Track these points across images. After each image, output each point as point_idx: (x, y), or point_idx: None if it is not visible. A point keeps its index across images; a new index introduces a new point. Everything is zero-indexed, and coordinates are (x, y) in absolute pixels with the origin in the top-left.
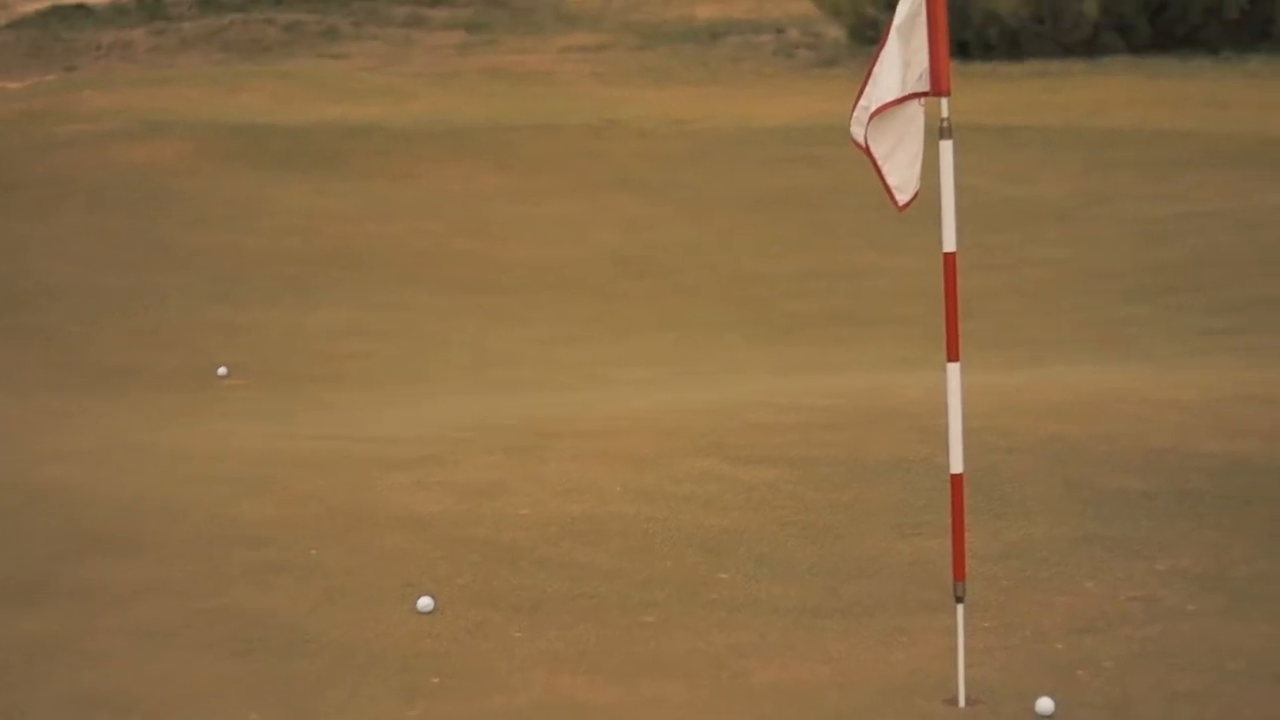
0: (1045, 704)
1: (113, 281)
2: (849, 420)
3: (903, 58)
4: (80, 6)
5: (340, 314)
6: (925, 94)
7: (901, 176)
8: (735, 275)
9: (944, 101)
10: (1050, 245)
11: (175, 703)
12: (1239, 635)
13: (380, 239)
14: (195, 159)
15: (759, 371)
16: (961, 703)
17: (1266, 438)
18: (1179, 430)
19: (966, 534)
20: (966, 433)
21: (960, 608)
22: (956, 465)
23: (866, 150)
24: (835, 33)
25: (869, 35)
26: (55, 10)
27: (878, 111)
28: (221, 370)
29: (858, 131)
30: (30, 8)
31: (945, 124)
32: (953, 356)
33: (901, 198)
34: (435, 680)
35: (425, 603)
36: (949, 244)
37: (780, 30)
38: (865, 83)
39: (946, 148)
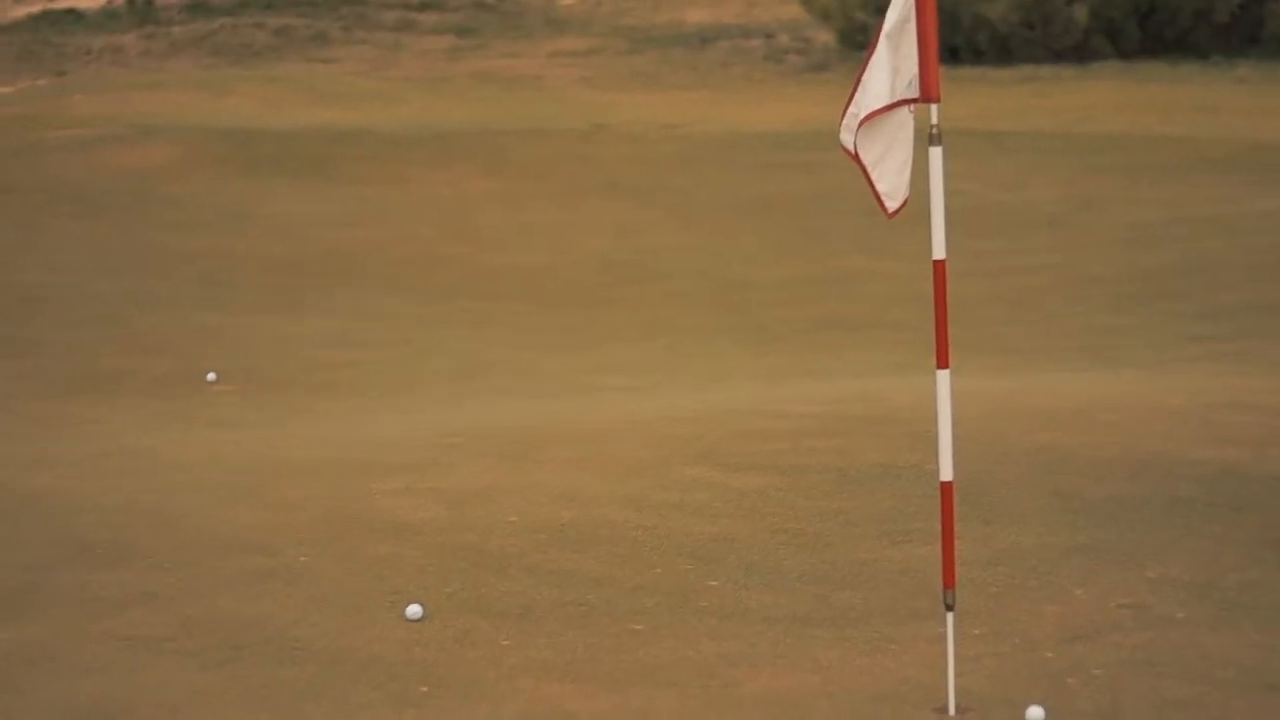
0: (1035, 712)
1: (101, 286)
2: (839, 427)
3: (892, 64)
4: (71, 11)
5: (329, 320)
6: (915, 100)
7: (891, 183)
8: (725, 281)
9: (934, 108)
10: (1039, 251)
11: (164, 711)
12: (1229, 643)
13: (369, 244)
14: (185, 164)
15: (748, 378)
16: (951, 711)
17: (1256, 445)
18: (1168, 437)
19: (956, 541)
20: (956, 440)
21: (950, 616)
22: (946, 473)
23: (856, 157)
24: (825, 38)
25: (858, 40)
26: (46, 15)
27: (867, 118)
28: (210, 376)
29: (847, 138)
30: (21, 12)
31: (935, 131)
32: (942, 364)
33: (891, 205)
34: (424, 688)
35: (414, 610)
36: (939, 251)
37: (770, 35)
38: (855, 89)
39: (936, 154)
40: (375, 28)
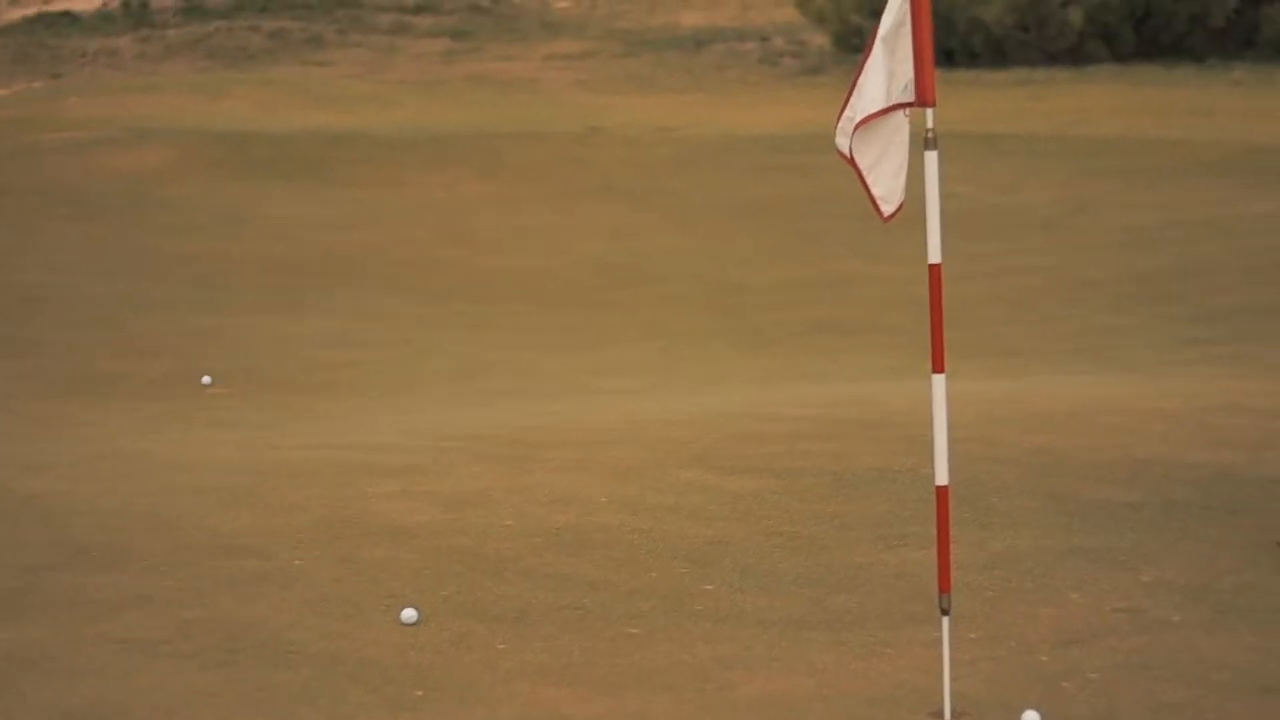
0: (1031, 716)
1: (97, 289)
2: (834, 431)
3: (888, 68)
4: (66, 14)
5: (325, 322)
6: (910, 104)
7: (886, 187)
8: (720, 284)
9: (929, 112)
10: (1034, 254)
11: (160, 713)
12: (1225, 647)
13: (365, 247)
14: (180, 166)
15: (743, 380)
16: (947, 715)
17: (1251, 448)
18: (1164, 440)
19: (952, 545)
20: (951, 443)
21: (945, 620)
22: (942, 477)
23: (851, 161)
24: (820, 40)
25: (853, 43)
26: (41, 18)
27: (863, 122)
28: (206, 379)
29: (843, 142)
30: (16, 15)
31: (930, 135)
32: (938, 368)
33: (887, 208)
34: (419, 692)
35: (409, 614)
36: (934, 255)
37: (765, 38)
38: (850, 93)
39: (931, 158)
40: (370, 31)
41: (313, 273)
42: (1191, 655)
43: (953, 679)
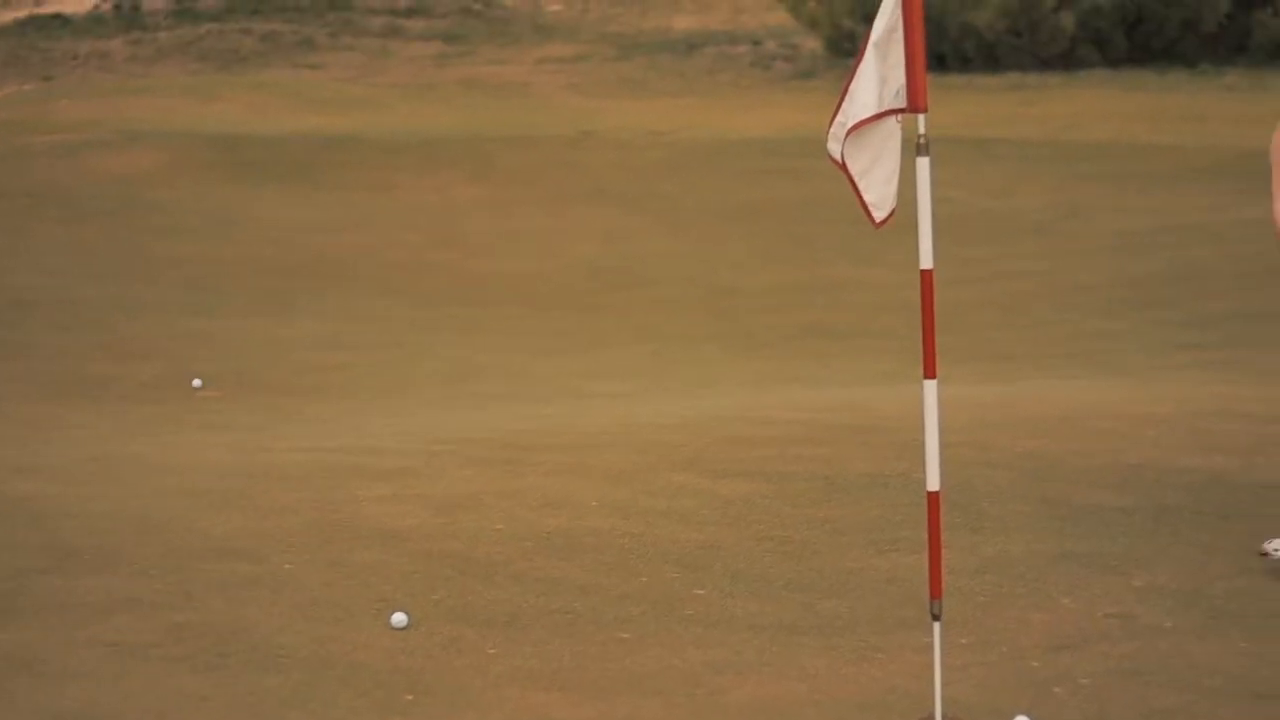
0: None
1: (89, 291)
2: (826, 435)
3: (879, 74)
4: (57, 16)
5: (317, 326)
6: (902, 110)
7: (878, 193)
8: (712, 287)
9: (921, 118)
10: (1027, 258)
11: (150, 717)
12: (1217, 652)
13: (357, 250)
14: (171, 169)
15: (736, 385)
16: None
17: (1243, 453)
18: (1156, 445)
19: (943, 550)
20: (943, 448)
21: (937, 625)
22: (933, 483)
23: (843, 167)
24: (812, 44)
25: (846, 47)
26: (32, 20)
27: (854, 128)
28: (196, 383)
29: (834, 148)
30: (7, 17)
31: (922, 141)
32: (929, 374)
33: (878, 215)
34: (409, 697)
35: (399, 618)
36: (926, 261)
37: (757, 42)
38: (842, 99)
39: (923, 165)
40: (362, 34)
41: (304, 275)
42: (1183, 661)
43: (944, 684)
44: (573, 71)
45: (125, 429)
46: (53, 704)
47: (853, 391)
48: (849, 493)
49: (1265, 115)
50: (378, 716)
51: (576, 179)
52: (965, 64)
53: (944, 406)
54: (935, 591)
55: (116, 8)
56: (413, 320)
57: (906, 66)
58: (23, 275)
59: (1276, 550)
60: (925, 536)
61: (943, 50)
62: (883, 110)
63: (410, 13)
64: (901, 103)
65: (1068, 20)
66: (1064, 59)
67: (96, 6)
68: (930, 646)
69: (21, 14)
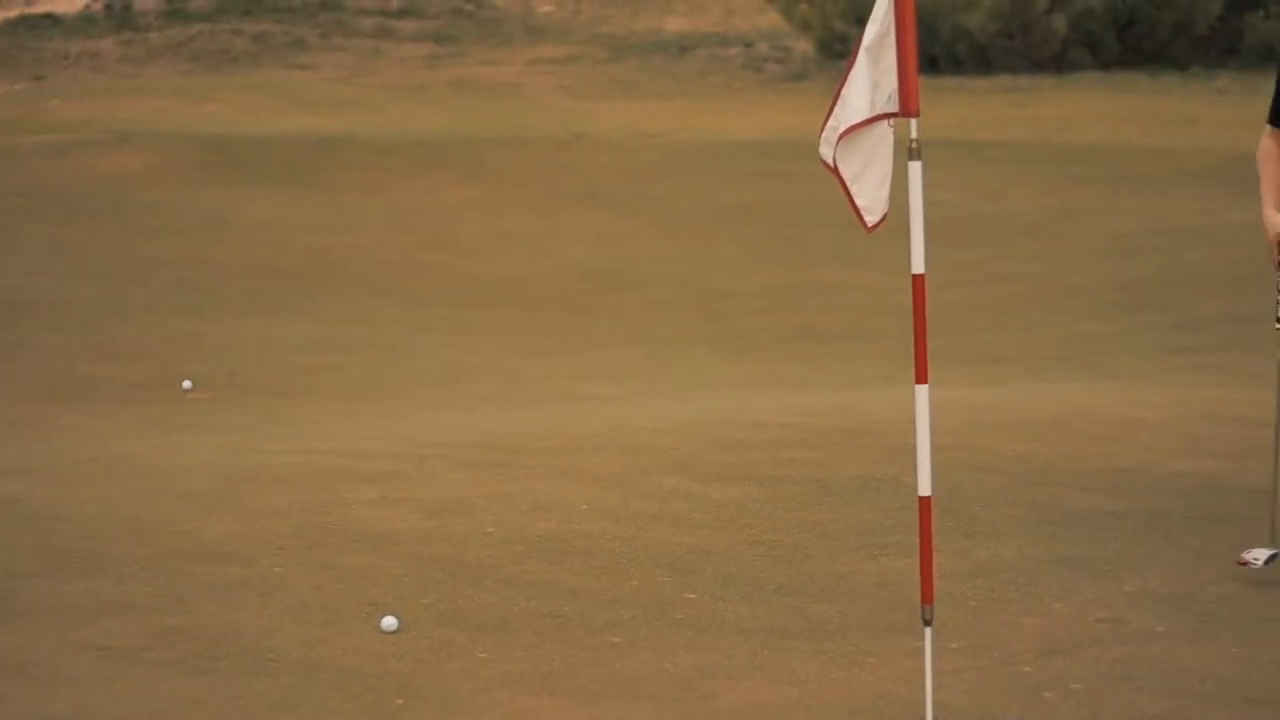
0: None
1: (79, 292)
2: (817, 439)
3: (871, 78)
4: (48, 16)
5: (308, 327)
6: (894, 115)
7: (870, 198)
8: (704, 290)
9: (913, 123)
10: (1018, 261)
11: None
12: (1208, 657)
13: (349, 251)
14: (163, 169)
15: (727, 387)
16: None
17: (1235, 457)
18: (1147, 449)
19: (935, 554)
20: (934, 451)
21: (928, 630)
22: (925, 488)
23: (835, 171)
24: (804, 47)
25: (837, 50)
26: (23, 19)
27: (846, 132)
28: (186, 384)
29: (826, 152)
30: None
31: (914, 145)
32: (921, 379)
33: (870, 219)
34: (399, 701)
35: (389, 622)
36: (918, 266)
37: (749, 44)
38: (834, 103)
39: (915, 169)
40: (353, 34)
41: (295, 276)
42: (1175, 666)
43: (935, 689)
44: (564, 73)
45: (116, 430)
46: (43, 708)
47: (844, 395)
48: (840, 496)
49: (1256, 118)
50: None
51: (568, 180)
52: (957, 66)
53: (935, 409)
54: (926, 596)
55: (108, 8)
56: (403, 321)
57: (899, 71)
58: (13, 276)
59: (1257, 559)
60: (916, 541)
61: (934, 52)
62: (875, 115)
63: (401, 14)
64: (894, 107)
65: (1060, 22)
66: (1056, 61)
67: (87, 6)
68: (921, 651)
69: (12, 13)
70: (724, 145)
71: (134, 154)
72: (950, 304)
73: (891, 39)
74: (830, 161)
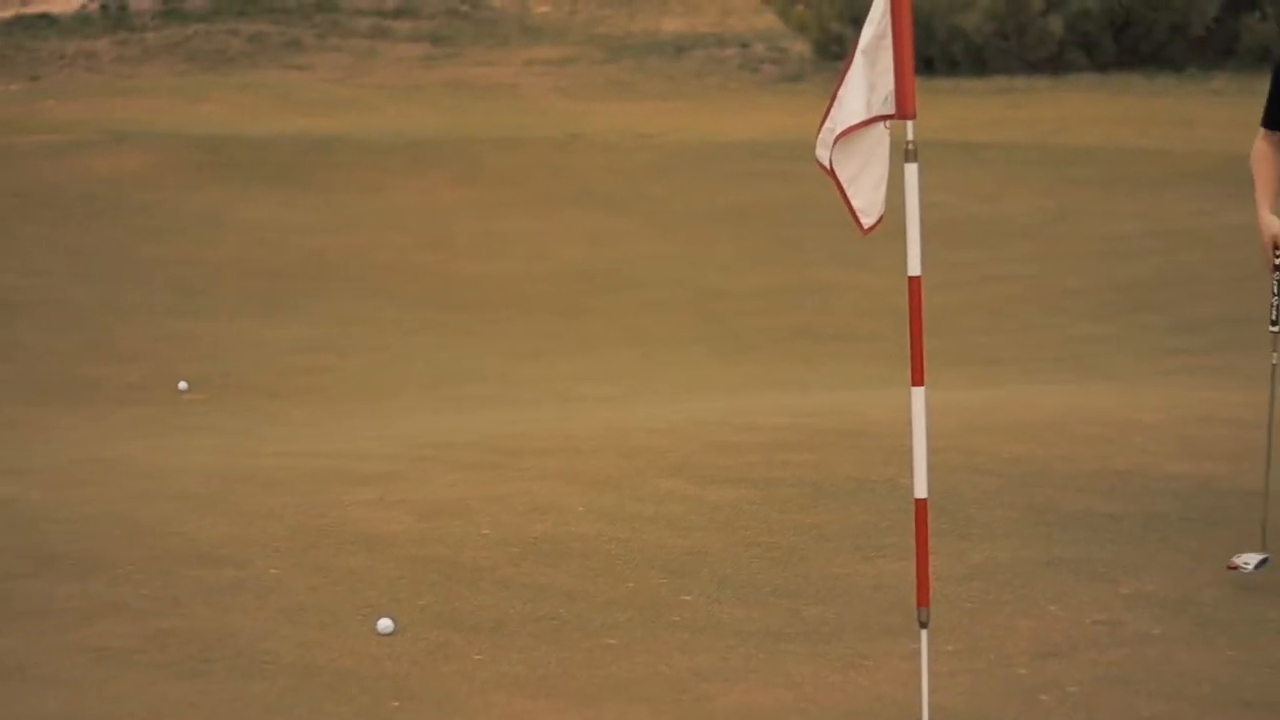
0: None
1: (75, 292)
2: (813, 440)
3: (868, 80)
4: (44, 16)
5: (304, 328)
6: (891, 116)
7: (867, 200)
8: (700, 290)
9: (909, 125)
10: (1015, 262)
11: None
12: (1204, 660)
13: (345, 251)
14: (158, 170)
15: (723, 389)
16: None
17: (1231, 459)
18: (1144, 451)
19: (931, 556)
20: (931, 453)
21: (924, 632)
22: (920, 490)
23: (831, 173)
24: (800, 48)
25: (834, 50)
26: (19, 19)
27: (843, 134)
28: (182, 385)
29: (823, 154)
30: None
31: (911, 147)
32: (917, 381)
33: (866, 221)
34: (395, 703)
35: (385, 624)
36: (914, 268)
37: (745, 45)
38: (830, 105)
39: (912, 171)
40: (349, 35)
41: (291, 277)
42: (1171, 668)
43: (931, 692)
44: (560, 73)
45: (111, 431)
46: (36, 710)
47: (840, 396)
48: (836, 498)
49: (1252, 120)
50: None
51: (564, 181)
52: (953, 67)
53: (931, 411)
54: (923, 598)
55: (104, 8)
56: (399, 323)
57: (895, 73)
58: (8, 276)
59: (1247, 564)
60: (912, 543)
61: (930, 53)
62: (871, 116)
63: (397, 14)
64: (890, 109)
65: (1056, 24)
66: (1052, 62)
67: (83, 6)
68: (917, 653)
69: (8, 14)
70: (720, 146)
71: (130, 154)
72: (946, 305)
73: (888, 41)
74: (827, 163)
